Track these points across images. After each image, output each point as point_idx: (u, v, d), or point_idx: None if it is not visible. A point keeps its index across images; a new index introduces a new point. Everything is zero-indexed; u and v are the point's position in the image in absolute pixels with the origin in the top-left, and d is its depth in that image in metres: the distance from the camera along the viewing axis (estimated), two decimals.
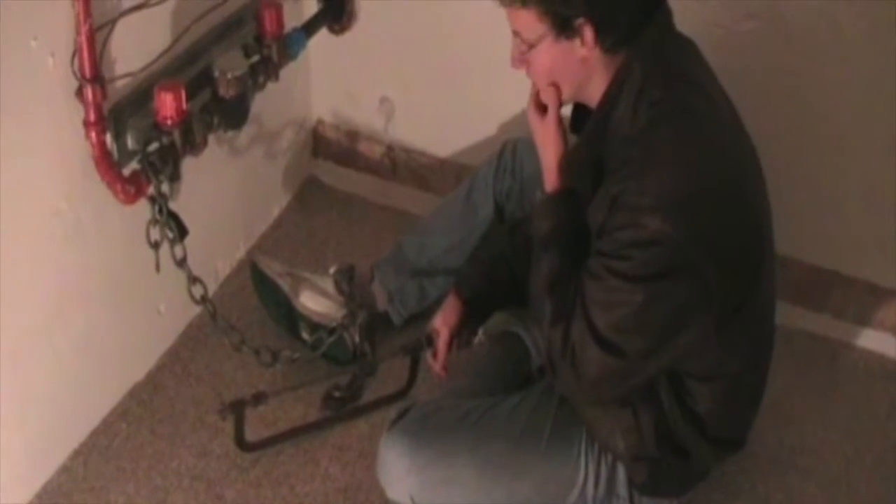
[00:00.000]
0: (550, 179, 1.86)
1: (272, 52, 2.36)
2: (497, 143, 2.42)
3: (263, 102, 2.47)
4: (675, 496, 2.02)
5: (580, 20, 1.69)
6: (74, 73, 1.92)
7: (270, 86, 2.39)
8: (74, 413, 2.26)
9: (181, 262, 2.19)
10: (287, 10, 2.40)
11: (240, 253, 2.72)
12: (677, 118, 1.72)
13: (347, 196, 2.95)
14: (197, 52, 2.22)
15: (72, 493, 2.20)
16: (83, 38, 1.88)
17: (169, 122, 2.08)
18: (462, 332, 2.18)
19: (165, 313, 2.44)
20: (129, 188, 2.09)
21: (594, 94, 1.77)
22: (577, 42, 1.71)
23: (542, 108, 1.86)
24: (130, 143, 2.08)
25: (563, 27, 1.70)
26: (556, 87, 1.81)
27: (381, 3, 2.64)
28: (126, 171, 2.09)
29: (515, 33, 1.76)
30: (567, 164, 1.88)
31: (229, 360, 2.44)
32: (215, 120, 2.23)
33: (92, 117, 1.97)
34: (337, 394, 2.38)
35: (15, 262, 1.95)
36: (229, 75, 2.21)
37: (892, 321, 2.53)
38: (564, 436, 1.94)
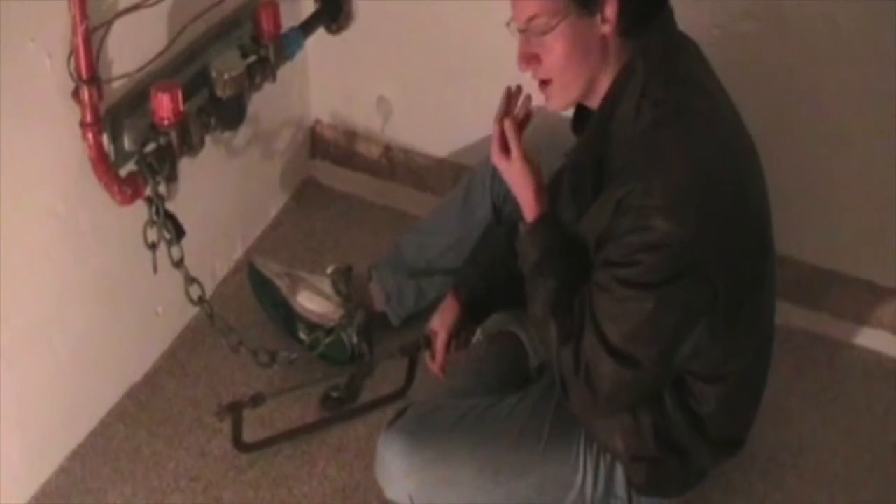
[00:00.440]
0: (530, 211, 1.87)
1: (269, 52, 2.36)
2: None
3: (261, 103, 2.47)
4: (673, 496, 2.01)
5: None
6: (71, 74, 1.92)
7: (268, 86, 2.39)
8: (72, 414, 2.26)
9: (178, 263, 2.19)
10: (284, 10, 2.39)
11: (237, 254, 2.72)
12: (681, 118, 1.72)
13: (345, 196, 2.94)
14: (194, 52, 2.22)
15: (70, 494, 2.20)
16: (80, 39, 1.88)
17: (166, 122, 2.07)
18: (460, 333, 2.18)
19: (163, 314, 2.44)
20: (126, 189, 2.09)
21: (599, 91, 1.77)
22: (598, 19, 1.70)
23: (505, 150, 1.87)
24: (127, 143, 2.08)
25: (587, 0, 1.70)
26: (515, 123, 1.86)
27: (379, 3, 2.64)
28: (123, 172, 2.09)
29: (529, 21, 1.73)
30: (565, 167, 1.88)
31: (227, 361, 2.43)
32: (212, 120, 2.23)
33: (89, 118, 1.97)
34: (335, 394, 2.38)
35: (12, 263, 1.94)
36: (226, 76, 2.21)
37: (890, 320, 2.52)
38: (563, 436, 1.94)
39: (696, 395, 1.85)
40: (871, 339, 2.55)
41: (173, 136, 2.09)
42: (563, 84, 1.78)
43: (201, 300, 2.26)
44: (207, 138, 2.24)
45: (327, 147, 2.94)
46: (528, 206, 1.87)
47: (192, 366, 2.46)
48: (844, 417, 2.41)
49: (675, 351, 1.74)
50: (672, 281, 1.66)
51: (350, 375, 2.40)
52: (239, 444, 2.25)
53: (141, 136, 2.08)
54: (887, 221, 2.41)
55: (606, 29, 1.72)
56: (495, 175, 2.34)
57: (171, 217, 2.16)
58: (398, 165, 2.87)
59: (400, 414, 1.99)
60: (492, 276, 2.15)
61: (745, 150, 1.80)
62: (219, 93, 2.22)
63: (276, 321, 2.50)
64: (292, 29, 2.47)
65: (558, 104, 1.82)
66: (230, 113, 2.29)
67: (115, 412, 2.35)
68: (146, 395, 2.39)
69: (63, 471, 2.23)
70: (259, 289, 2.52)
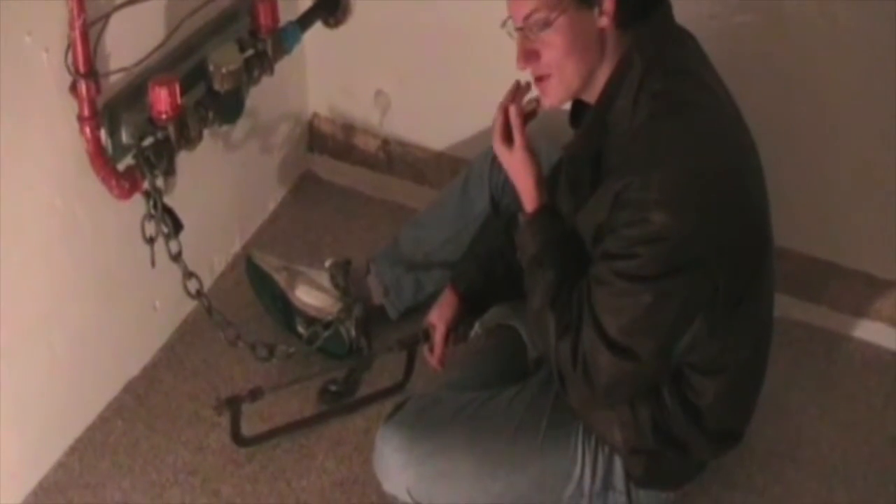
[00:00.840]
0: (530, 202, 1.87)
1: (267, 46, 2.35)
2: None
3: (258, 96, 2.47)
4: (672, 489, 2.02)
5: None
6: (68, 69, 1.91)
7: (265, 80, 2.39)
8: (70, 409, 2.26)
9: (176, 257, 2.19)
10: (282, 3, 2.39)
11: (235, 248, 2.72)
12: (678, 110, 1.72)
13: (343, 190, 2.94)
14: (191, 46, 2.22)
15: (68, 489, 2.20)
16: (77, 33, 1.88)
17: (163, 116, 2.07)
18: (458, 326, 2.18)
19: (161, 308, 2.44)
20: (124, 183, 2.08)
21: (597, 85, 1.77)
22: (596, 12, 1.71)
23: (507, 138, 1.87)
24: (125, 138, 2.08)
25: None
26: (521, 111, 1.85)
27: None
28: (121, 167, 2.09)
29: (527, 17, 1.73)
30: (563, 160, 1.88)
31: (225, 355, 2.43)
32: (210, 114, 2.23)
33: (86, 112, 1.96)
34: (333, 388, 2.38)
35: (10, 258, 1.94)
36: (224, 69, 2.21)
37: (888, 312, 2.53)
38: (561, 429, 1.94)
39: (694, 387, 1.85)
40: (869, 331, 2.55)
41: (171, 130, 2.09)
42: (563, 78, 1.77)
43: (199, 294, 2.26)
44: (205, 132, 2.23)
45: (325, 141, 2.94)
46: (528, 196, 1.87)
47: (191, 360, 2.46)
48: (843, 410, 2.42)
49: (673, 344, 1.75)
50: (671, 274, 1.66)
51: (348, 369, 2.40)
52: (238, 438, 2.25)
53: (139, 130, 2.08)
54: (886, 214, 2.41)
55: (604, 22, 1.72)
56: (493, 167, 2.34)
57: (168, 211, 2.16)
58: (396, 159, 2.87)
59: (398, 407, 1.99)
60: (490, 270, 2.15)
61: (743, 143, 1.80)
62: (216, 87, 2.22)
63: (275, 315, 2.50)
64: (290, 23, 2.46)
65: (556, 99, 1.82)
66: (228, 107, 2.29)
67: (113, 406, 2.35)
68: (144, 389, 2.39)
69: (61, 466, 2.23)
70: (257, 283, 2.52)
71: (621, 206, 1.67)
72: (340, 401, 2.38)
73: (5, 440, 2.07)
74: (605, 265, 1.71)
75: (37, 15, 1.85)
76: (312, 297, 2.43)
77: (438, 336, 2.16)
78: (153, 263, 2.17)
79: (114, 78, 2.03)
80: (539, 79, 1.80)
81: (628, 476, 1.94)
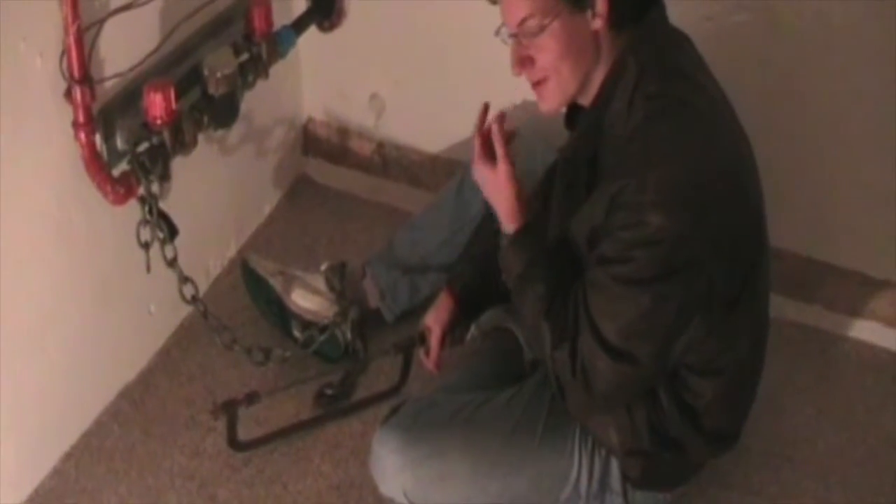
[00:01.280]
0: (512, 220, 1.86)
1: (262, 50, 2.36)
2: None
3: (253, 101, 2.47)
4: (668, 490, 2.02)
5: None
6: (63, 74, 1.91)
7: (260, 84, 2.39)
8: (66, 415, 2.25)
9: (172, 262, 2.18)
10: (276, 7, 2.40)
11: (231, 252, 2.72)
12: (674, 112, 1.72)
13: (338, 193, 2.94)
14: (186, 50, 2.22)
15: (64, 495, 2.20)
16: (71, 39, 1.88)
17: (158, 121, 2.07)
18: (455, 329, 2.18)
19: (156, 313, 2.44)
20: (119, 189, 2.08)
21: (592, 87, 1.77)
22: (589, 14, 1.71)
23: (487, 160, 1.87)
24: (120, 143, 2.08)
25: None
26: (505, 132, 1.84)
27: (371, 1, 2.64)
28: (116, 172, 2.09)
29: (521, 24, 1.74)
30: (559, 162, 1.88)
31: (221, 360, 2.43)
32: (205, 119, 2.23)
33: (81, 118, 1.96)
34: (329, 391, 2.38)
35: (5, 263, 1.94)
36: (219, 74, 2.21)
37: (884, 312, 2.53)
38: (558, 430, 1.94)
39: (690, 388, 1.85)
40: (864, 331, 2.56)
41: (166, 134, 2.09)
42: (559, 82, 1.78)
43: (195, 299, 2.26)
44: (200, 137, 2.23)
45: (320, 144, 2.94)
46: (511, 215, 1.86)
47: (186, 364, 2.46)
48: (839, 409, 2.42)
49: (672, 346, 1.74)
50: (667, 276, 1.66)
51: (344, 372, 2.40)
52: (234, 443, 2.25)
53: (134, 136, 2.08)
54: (880, 213, 2.42)
55: (598, 24, 1.72)
56: None
57: (164, 216, 2.15)
58: (391, 162, 2.87)
59: (394, 410, 1.99)
60: (486, 272, 2.14)
61: (738, 144, 1.81)
62: (211, 91, 2.22)
63: (270, 319, 2.50)
64: (284, 27, 2.47)
65: (553, 104, 1.82)
66: (223, 111, 2.29)
67: (109, 412, 2.34)
68: (140, 394, 2.39)
69: (57, 472, 2.23)
70: (253, 287, 2.52)
71: (617, 208, 1.67)
72: (337, 404, 2.38)
73: (2, 446, 2.06)
74: (602, 270, 1.70)
75: (31, 20, 1.85)
76: (308, 300, 2.43)
77: (434, 339, 2.16)
78: (148, 268, 2.17)
79: (108, 83, 2.03)
80: (536, 84, 1.81)
81: (625, 477, 1.94)
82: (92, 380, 2.30)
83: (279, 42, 2.42)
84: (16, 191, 1.93)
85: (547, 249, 1.83)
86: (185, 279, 2.22)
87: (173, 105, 2.07)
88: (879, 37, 2.22)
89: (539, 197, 2.05)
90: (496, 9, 1.78)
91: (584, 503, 1.96)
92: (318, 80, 2.85)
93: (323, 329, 2.39)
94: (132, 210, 2.13)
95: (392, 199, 2.88)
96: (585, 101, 1.80)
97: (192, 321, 2.48)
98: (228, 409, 2.20)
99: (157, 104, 2.05)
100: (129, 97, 2.08)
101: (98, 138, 2.02)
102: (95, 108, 1.99)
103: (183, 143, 2.15)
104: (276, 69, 2.44)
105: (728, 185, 1.72)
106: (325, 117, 2.91)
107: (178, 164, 2.21)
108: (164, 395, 2.39)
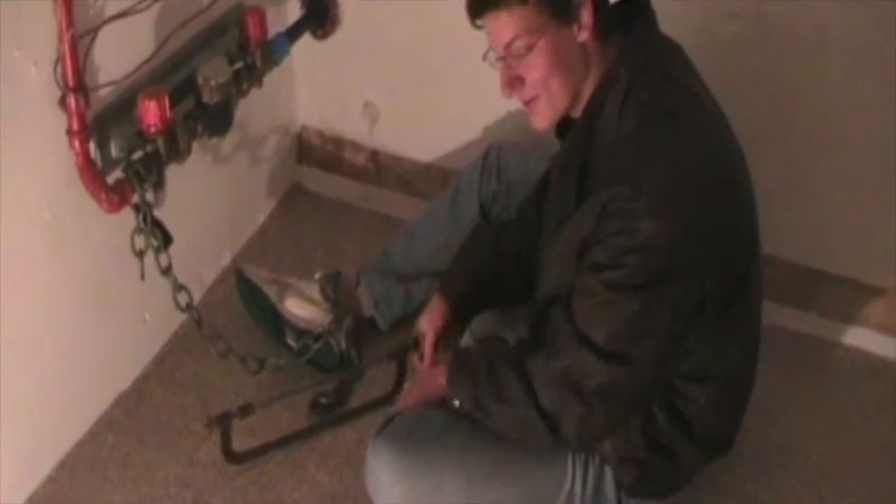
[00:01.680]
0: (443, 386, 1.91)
1: (256, 58, 2.36)
2: (481, 146, 2.42)
3: (248, 109, 2.47)
4: (662, 497, 2.01)
5: None
6: (57, 82, 1.91)
7: (254, 92, 2.39)
8: (60, 423, 2.25)
9: (166, 271, 2.19)
10: (270, 16, 2.40)
11: (225, 260, 2.72)
12: (666, 119, 1.72)
13: (333, 202, 2.95)
14: (180, 59, 2.22)
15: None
16: (66, 47, 1.88)
17: (153, 129, 2.07)
18: (448, 333, 2.17)
19: (151, 321, 2.43)
20: (114, 196, 2.08)
21: (584, 98, 1.77)
22: (575, 28, 1.72)
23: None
24: (114, 151, 2.08)
25: (564, 10, 1.71)
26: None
27: (365, 9, 2.65)
28: (110, 180, 2.09)
29: (508, 46, 1.74)
30: (552, 171, 1.88)
31: (215, 368, 2.43)
32: (199, 127, 2.23)
33: (75, 126, 1.96)
34: (324, 400, 2.37)
35: None
36: (213, 82, 2.21)
37: (877, 318, 2.53)
38: None
39: (683, 395, 1.85)
40: (858, 338, 2.56)
41: (160, 143, 2.09)
42: (550, 98, 1.78)
43: (189, 307, 2.26)
44: (195, 145, 2.23)
45: (314, 153, 2.94)
46: (442, 386, 1.91)
47: (181, 373, 2.45)
48: (833, 417, 2.42)
49: (669, 355, 1.74)
50: (659, 283, 1.66)
51: (339, 381, 2.40)
52: (228, 454, 2.24)
53: (128, 144, 2.08)
54: (874, 221, 2.42)
55: (584, 36, 1.73)
56: (483, 176, 2.34)
57: (158, 224, 2.16)
58: (385, 170, 2.87)
59: (388, 421, 1.98)
60: (479, 276, 2.14)
61: (730, 151, 1.81)
62: (206, 99, 2.22)
63: (265, 328, 2.50)
64: (279, 35, 2.47)
65: (546, 121, 1.82)
66: (217, 119, 2.29)
67: (103, 420, 2.34)
68: (134, 402, 2.38)
69: (52, 480, 2.22)
70: (247, 295, 2.52)
71: (609, 215, 1.67)
72: (331, 413, 2.37)
73: None
74: (592, 276, 1.70)
75: (25, 29, 1.85)
76: (302, 309, 2.43)
77: (428, 344, 2.15)
78: (143, 276, 2.17)
79: (103, 91, 2.03)
80: (527, 103, 1.81)
81: (619, 485, 1.93)
82: (86, 388, 2.29)
83: (273, 50, 2.42)
84: (10, 198, 1.93)
85: (479, 364, 1.87)
86: (179, 287, 2.22)
87: (168, 113, 2.08)
88: (874, 45, 2.23)
89: (533, 201, 2.07)
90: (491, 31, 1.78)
91: None
92: (313, 88, 2.85)
93: (317, 338, 2.39)
94: (127, 218, 2.13)
95: (386, 208, 2.88)
96: (577, 113, 1.80)
97: (187, 329, 2.47)
98: (223, 423, 2.19)
99: (151, 112, 2.05)
100: (124, 105, 2.08)
101: (92, 146, 2.03)
102: (90, 115, 1.99)
103: (177, 152, 2.15)
104: (271, 77, 2.44)
105: (720, 192, 1.72)
106: (319, 125, 2.91)
107: (173, 172, 2.21)
108: (159, 404, 2.39)
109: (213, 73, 2.22)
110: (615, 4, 1.76)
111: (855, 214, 2.44)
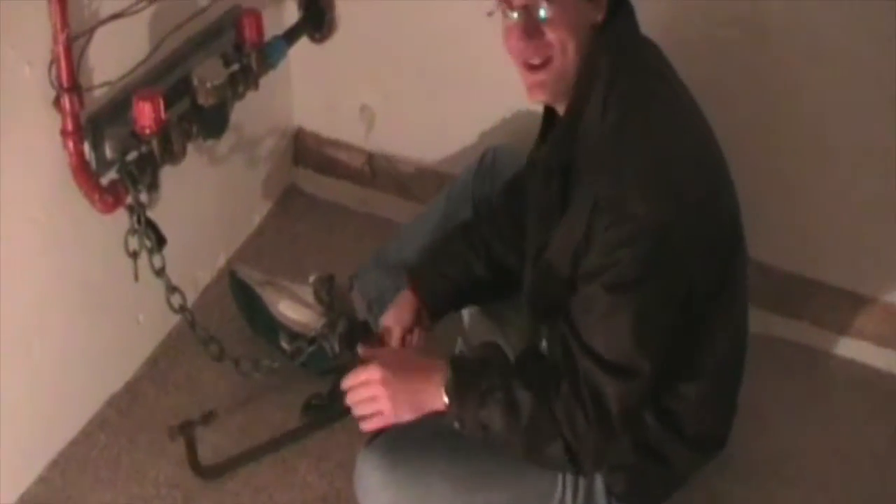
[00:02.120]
0: (440, 394, 1.81)
1: (252, 60, 2.36)
2: (477, 150, 2.41)
3: (243, 111, 2.47)
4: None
5: None
6: (52, 83, 1.92)
7: (250, 94, 2.38)
8: (52, 423, 2.25)
9: (160, 272, 2.18)
10: (267, 18, 2.40)
11: (220, 262, 2.72)
12: (648, 105, 1.74)
13: (328, 204, 2.94)
14: (176, 60, 2.22)
15: (50, 503, 2.19)
16: (60, 48, 1.88)
17: (147, 131, 2.07)
18: (414, 329, 2.16)
19: (144, 323, 2.43)
20: (108, 197, 2.08)
21: (569, 87, 1.76)
22: (593, 5, 1.73)
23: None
24: (108, 152, 2.08)
25: None
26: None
27: (362, 12, 2.65)
28: (104, 181, 2.09)
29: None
30: (535, 169, 1.88)
31: (209, 370, 2.43)
32: (194, 129, 2.22)
33: (69, 126, 1.96)
34: (316, 402, 2.37)
35: None
36: (208, 84, 2.21)
37: (871, 329, 2.53)
38: None
39: (672, 392, 1.84)
40: (851, 348, 2.55)
41: (154, 144, 2.09)
42: (564, 62, 1.74)
43: (182, 308, 2.26)
44: (190, 147, 2.23)
45: (310, 155, 2.94)
46: (435, 391, 1.80)
47: (174, 374, 2.45)
48: (825, 426, 2.42)
49: (664, 349, 1.73)
50: (651, 275, 1.66)
51: (332, 384, 2.39)
52: (195, 466, 2.23)
53: (122, 145, 2.08)
54: (868, 230, 2.42)
55: (599, 17, 1.74)
56: (478, 179, 2.34)
57: (152, 225, 2.16)
58: (381, 173, 2.87)
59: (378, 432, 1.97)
60: (449, 272, 2.13)
61: (711, 140, 1.83)
62: (201, 101, 2.22)
63: (258, 329, 2.50)
64: (275, 37, 2.47)
65: (546, 89, 1.79)
66: (212, 121, 2.29)
67: (95, 421, 2.34)
68: (127, 403, 2.38)
69: (43, 480, 2.23)
70: (241, 297, 2.52)
71: (600, 210, 1.68)
72: (324, 415, 2.37)
73: None
74: (590, 284, 1.70)
75: (20, 29, 1.86)
76: (296, 312, 2.43)
77: (395, 341, 2.13)
78: (136, 277, 2.17)
79: (97, 92, 2.03)
80: (537, 67, 1.77)
81: (610, 492, 1.93)
82: (79, 388, 2.29)
83: (270, 53, 2.42)
84: (3, 199, 1.93)
85: (482, 378, 1.79)
86: (173, 289, 2.22)
87: (162, 115, 2.08)
88: (869, 52, 2.23)
89: (506, 201, 2.10)
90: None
91: None
92: (309, 91, 2.85)
93: (311, 340, 2.38)
94: (120, 219, 2.13)
95: (381, 210, 2.88)
96: (562, 104, 1.80)
97: (180, 331, 2.47)
98: (185, 431, 2.20)
99: (145, 113, 2.05)
100: (118, 106, 2.08)
101: (86, 147, 2.03)
102: (84, 116, 1.99)
103: (171, 153, 2.15)
104: (267, 80, 2.43)
105: (703, 172, 1.75)
106: (315, 128, 2.91)
107: (167, 174, 2.21)
108: (152, 405, 2.39)
109: (209, 74, 2.22)
110: None
111: (850, 224, 2.44)
